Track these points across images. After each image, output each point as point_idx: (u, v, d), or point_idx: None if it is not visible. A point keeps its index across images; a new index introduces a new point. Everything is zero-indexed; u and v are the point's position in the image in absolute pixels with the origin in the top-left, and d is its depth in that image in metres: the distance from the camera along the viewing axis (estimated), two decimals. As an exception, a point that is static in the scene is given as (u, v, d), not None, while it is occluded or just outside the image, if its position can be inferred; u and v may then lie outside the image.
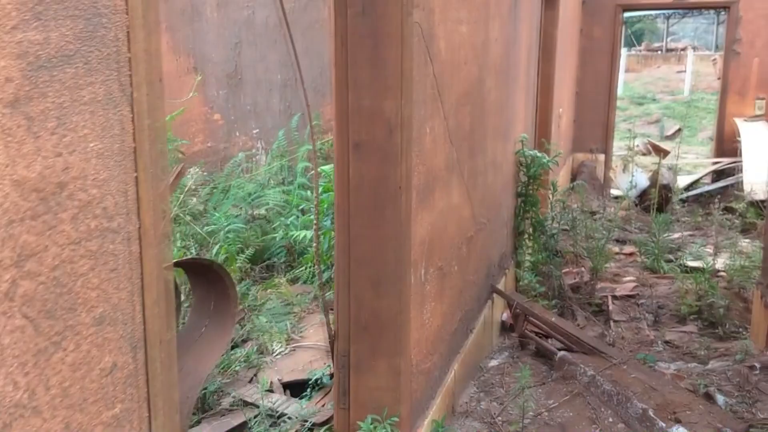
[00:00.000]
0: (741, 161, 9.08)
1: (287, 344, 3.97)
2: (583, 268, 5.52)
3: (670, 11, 34.79)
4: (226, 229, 4.64)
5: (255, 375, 3.74)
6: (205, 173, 5.95)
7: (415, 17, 2.37)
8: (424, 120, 2.61)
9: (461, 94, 3.22)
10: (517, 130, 5.01)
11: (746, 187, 8.42)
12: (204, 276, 2.57)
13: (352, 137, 2.41)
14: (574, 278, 5.36)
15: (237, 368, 3.76)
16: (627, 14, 12.31)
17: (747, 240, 6.99)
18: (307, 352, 3.79)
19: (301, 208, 4.73)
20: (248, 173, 6.14)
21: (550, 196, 5.79)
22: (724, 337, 4.62)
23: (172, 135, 6.08)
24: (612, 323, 4.82)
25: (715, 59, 22.37)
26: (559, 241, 5.62)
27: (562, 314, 4.89)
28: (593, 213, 7.94)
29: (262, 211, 5.24)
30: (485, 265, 4.05)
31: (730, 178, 9.27)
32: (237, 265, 4.55)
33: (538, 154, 4.99)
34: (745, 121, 9.71)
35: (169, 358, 1.11)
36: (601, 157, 10.40)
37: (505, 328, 4.51)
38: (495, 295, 4.25)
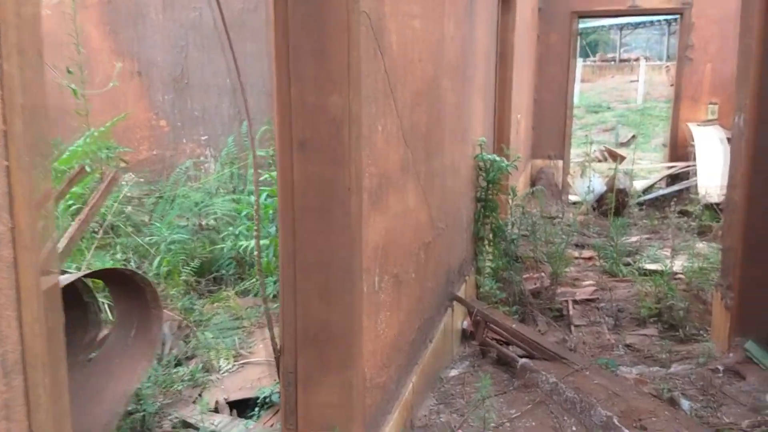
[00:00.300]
0: (695, 165, 9.19)
1: (235, 361, 3.75)
2: (543, 273, 5.43)
3: (623, 23, 35.66)
4: (169, 240, 4.39)
5: (200, 394, 3.51)
6: (142, 181, 5.68)
7: (362, 6, 2.21)
8: (375, 118, 2.45)
9: (416, 92, 3.08)
10: (475, 133, 4.90)
11: (701, 191, 8.52)
12: (126, 287, 2.35)
13: (296, 135, 2.23)
14: (535, 283, 5.27)
15: (180, 387, 3.52)
16: (582, 26, 12.47)
17: (703, 242, 7.03)
18: (256, 369, 3.58)
19: (251, 216, 4.52)
20: (196, 181, 5.89)
21: (510, 201, 5.70)
22: (685, 340, 4.57)
23: (115, 142, 5.80)
24: (573, 328, 4.73)
25: (668, 67, 22.92)
26: (519, 246, 5.53)
27: (523, 320, 4.78)
28: (552, 218, 7.91)
29: (211, 221, 5.00)
30: (444, 272, 3.90)
31: (685, 181, 9.39)
32: (182, 278, 4.31)
33: (497, 158, 4.89)
34: (699, 125, 9.86)
35: (57, 384, 0.92)
36: (559, 163, 10.44)
37: (466, 336, 4.38)
38: (455, 302, 4.11)
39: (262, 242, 4.00)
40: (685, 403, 3.24)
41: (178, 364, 3.79)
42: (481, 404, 3.20)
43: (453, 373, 3.81)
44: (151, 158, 6.60)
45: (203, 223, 5.15)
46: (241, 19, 5.93)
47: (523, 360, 3.49)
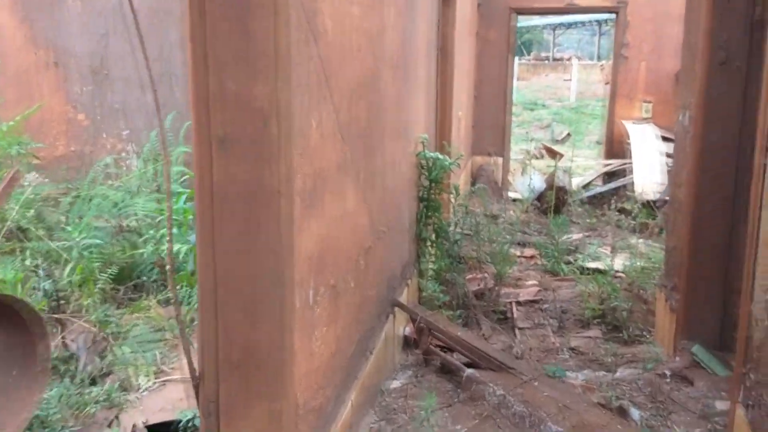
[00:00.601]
0: (631, 163, 9.29)
1: (156, 378, 3.40)
2: (486, 274, 5.28)
3: (556, 23, 36.45)
4: (83, 244, 3.98)
5: (116, 416, 3.16)
6: (47, 181, 5.22)
7: (292, -17, 1.93)
8: (308, 110, 2.18)
9: (355, 84, 2.82)
10: (417, 130, 4.68)
11: (637, 188, 8.60)
12: (8, 316, 2.00)
13: (216, 130, 1.93)
14: (478, 285, 5.10)
15: (94, 410, 3.16)
16: (519, 24, 12.47)
17: (641, 240, 7.06)
18: (178, 387, 3.25)
19: (176, 218, 4.16)
20: (117, 179, 5.45)
21: (453, 201, 5.52)
22: (629, 341, 4.50)
23: (28, 138, 5.30)
24: (517, 331, 4.59)
25: (602, 65, 23.43)
26: (462, 246, 5.36)
27: (467, 324, 4.60)
28: (494, 216, 7.80)
29: (132, 223, 4.61)
30: (386, 278, 3.66)
31: (621, 179, 9.47)
32: (98, 286, 3.92)
33: (440, 157, 4.69)
34: (634, 123, 9.98)
35: None
36: (499, 160, 10.38)
37: (409, 344, 4.15)
38: (397, 308, 3.88)
39: (184, 249, 3.66)
40: (635, 413, 3.12)
41: (93, 382, 3.42)
42: (425, 421, 2.97)
43: (395, 384, 3.58)
44: (69, 155, 6.10)
45: (123, 224, 4.74)
46: (168, 5, 5.52)
47: (469, 371, 3.29)
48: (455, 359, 3.66)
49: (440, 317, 3.85)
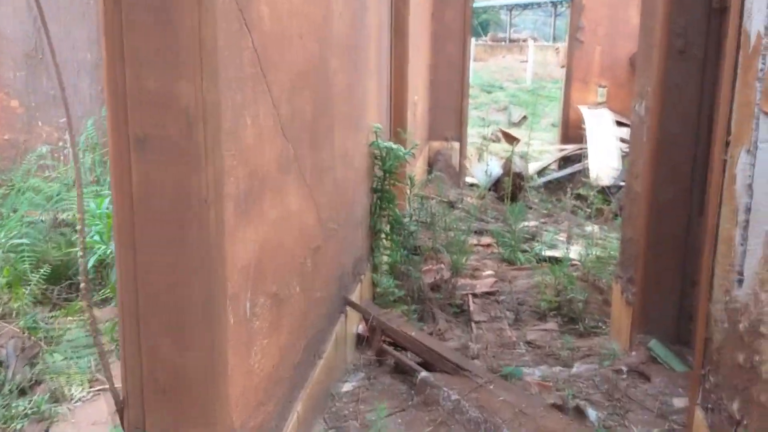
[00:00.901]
0: (586, 148, 9.30)
1: (90, 387, 3.19)
2: (442, 265, 5.16)
3: (512, 4, 36.49)
4: (11, 243, 3.69)
5: (46, 430, 2.95)
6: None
7: (218, -34, 1.73)
8: (241, 108, 1.98)
9: (297, 75, 2.62)
10: (370, 118, 4.50)
11: (592, 174, 8.61)
12: None
13: (134, 130, 1.73)
14: (434, 277, 4.99)
15: (21, 424, 2.94)
16: (476, 4, 12.33)
17: (596, 226, 7.06)
18: (113, 400, 3.03)
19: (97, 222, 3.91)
20: (54, 171, 5.13)
21: (408, 191, 5.37)
22: (585, 334, 4.45)
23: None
24: (473, 325, 4.49)
25: (558, 48, 23.54)
26: (418, 237, 5.22)
27: (423, 318, 4.48)
28: (452, 204, 7.71)
29: (68, 218, 4.32)
30: (337, 277, 3.50)
31: (577, 164, 9.49)
32: (30, 286, 3.66)
33: (394, 146, 4.52)
34: (589, 108, 9.99)
35: None
36: (457, 145, 10.28)
37: (362, 342, 4.01)
38: (349, 307, 3.73)
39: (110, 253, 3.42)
40: (592, 413, 3.04)
41: (22, 392, 3.18)
42: (377, 430, 2.84)
43: (346, 387, 3.43)
44: (2, 144, 5.73)
45: (59, 219, 4.45)
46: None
47: (423, 374, 3.16)
48: (409, 359, 3.53)
49: (393, 316, 3.71)
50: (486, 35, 37.39)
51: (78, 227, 1.90)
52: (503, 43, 35.28)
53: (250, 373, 2.15)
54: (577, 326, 4.49)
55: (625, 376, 3.47)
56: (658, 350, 3.51)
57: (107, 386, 3.23)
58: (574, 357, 3.98)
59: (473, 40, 26.30)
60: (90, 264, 3.52)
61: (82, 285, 1.99)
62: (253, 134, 2.10)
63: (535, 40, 32.91)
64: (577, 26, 10.15)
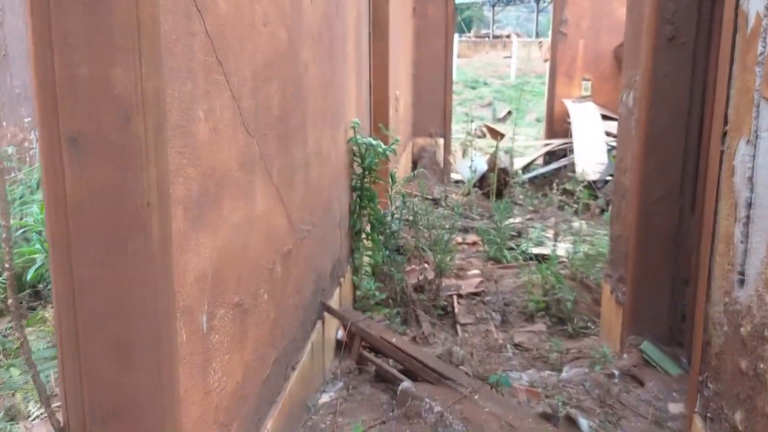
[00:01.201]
0: (572, 142, 9.15)
1: (51, 403, 2.96)
2: (426, 265, 4.98)
3: (495, 0, 36.39)
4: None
5: (0, 452, 2.74)
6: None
7: (157, -63, 1.52)
8: (192, 100, 1.78)
9: (262, 65, 2.42)
10: (348, 114, 4.30)
11: (578, 168, 8.46)
12: None
13: (66, 126, 1.52)
14: (418, 277, 4.80)
15: (-28, 447, 2.72)
16: (457, 1, 12.13)
17: (583, 221, 6.91)
18: (70, 420, 2.82)
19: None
20: (19, 172, 4.89)
21: (390, 189, 5.18)
22: (574, 335, 4.29)
23: None
24: (459, 328, 4.31)
25: (540, 42, 23.44)
26: (401, 237, 5.04)
27: (406, 321, 4.30)
28: (436, 201, 7.53)
29: (30, 222, 4.09)
30: (312, 281, 3.30)
31: (563, 159, 9.34)
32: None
33: (373, 142, 4.33)
34: (574, 102, 9.84)
35: None
36: (441, 141, 10.10)
37: (342, 348, 3.81)
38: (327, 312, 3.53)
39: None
40: (584, 423, 2.87)
41: (-24, 411, 2.97)
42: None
43: (324, 398, 3.24)
44: (-36, 144, 5.46)
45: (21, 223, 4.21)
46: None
47: (404, 384, 2.97)
48: (391, 366, 3.34)
49: (373, 323, 3.51)
50: (469, 32, 37.31)
51: (3, 236, 1.69)
52: (487, 39, 35.22)
53: (209, 393, 1.95)
54: (566, 327, 4.33)
55: (617, 380, 3.30)
56: (651, 352, 3.35)
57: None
58: (564, 360, 3.82)
59: (457, 36, 26.21)
60: (30, 275, 3.30)
61: (10, 302, 1.78)
62: (207, 129, 1.90)
63: (518, 35, 32.86)
64: (561, 19, 10.00)
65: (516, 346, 4.06)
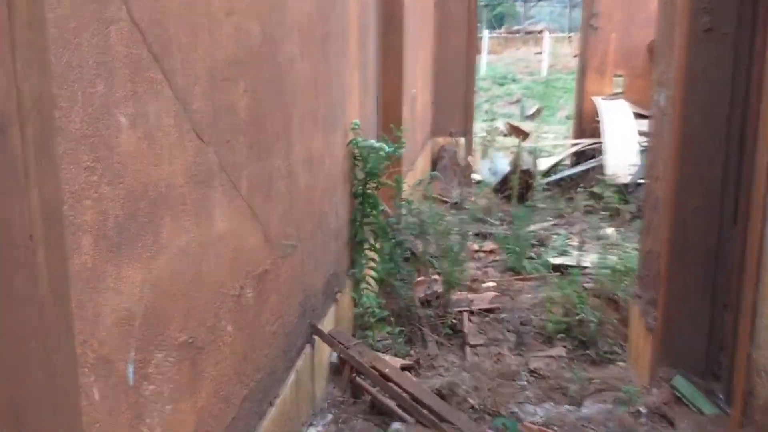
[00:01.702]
0: (602, 142, 8.67)
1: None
2: (435, 277, 4.61)
3: (528, -5, 35.72)
4: None
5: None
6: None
7: None
8: (107, 103, 1.44)
9: (224, 62, 2.08)
10: (349, 115, 3.95)
11: (608, 170, 7.99)
12: None
13: (-72, 139, 1.19)
14: (426, 290, 4.43)
15: None
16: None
17: (612, 228, 6.45)
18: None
19: None
20: None
21: (398, 193, 4.81)
22: (598, 361, 3.87)
23: None
24: (468, 349, 3.93)
25: (570, 37, 22.82)
26: (410, 246, 4.67)
27: (411, 341, 3.94)
28: (454, 204, 7.14)
29: None
30: (298, 302, 2.96)
31: (592, 160, 8.85)
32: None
33: (376, 145, 3.97)
34: (604, 99, 9.34)
35: None
36: (462, 140, 9.69)
37: (336, 371, 3.46)
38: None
39: None
40: (604, 474, 2.48)
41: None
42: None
43: (311, 433, 2.90)
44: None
45: None
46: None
47: (395, 427, 2.61)
48: (387, 399, 2.99)
49: (366, 349, 3.15)
50: (501, 28, 36.73)
51: None
52: (518, 35, 34.59)
53: (139, 457, 1.62)
54: (588, 352, 3.91)
55: (644, 419, 2.90)
56: (684, 388, 2.93)
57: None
58: (585, 392, 3.41)
59: (487, 32, 25.65)
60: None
61: None
62: (134, 138, 1.56)
63: (550, 31, 32.18)
64: (592, 12, 9.50)
65: (532, 372, 3.66)
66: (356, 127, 3.92)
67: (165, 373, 1.73)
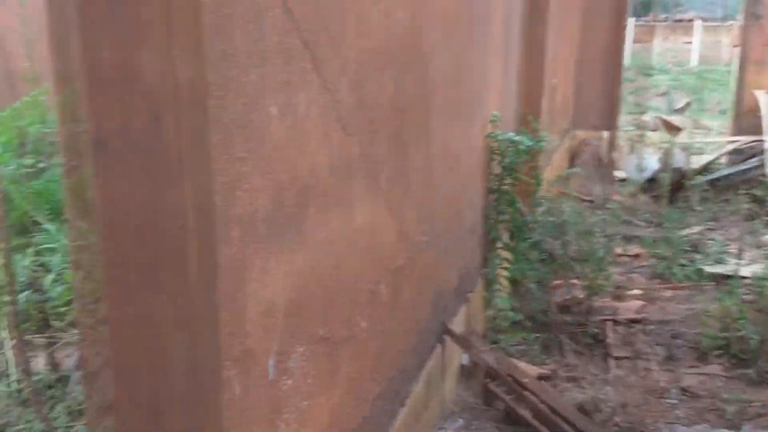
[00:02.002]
0: (764, 140, 7.84)
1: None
2: (575, 281, 4.34)
3: (679, -19, 33.31)
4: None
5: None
6: None
7: None
8: (260, 93, 1.41)
9: (372, 51, 2.02)
10: (488, 106, 3.79)
11: (772, 171, 7.20)
12: None
13: (93, 124, 1.22)
14: (564, 295, 4.18)
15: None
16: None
17: (776, 235, 5.79)
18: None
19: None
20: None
21: (537, 190, 4.58)
22: (759, 382, 3.46)
23: None
24: (612, 362, 3.65)
25: (731, 25, 20.97)
26: (547, 247, 4.42)
27: (547, 349, 3.72)
28: (596, 203, 6.74)
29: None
30: (430, 300, 2.87)
31: (752, 159, 8.01)
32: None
33: (516, 138, 3.79)
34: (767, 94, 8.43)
35: None
36: (606, 134, 9.12)
37: (468, 374, 3.34)
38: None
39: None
40: None
41: (80, 413, 2.88)
42: None
43: (441, 437, 2.80)
44: None
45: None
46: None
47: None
48: (523, 409, 2.82)
49: (500, 354, 3.00)
50: (648, 15, 34.58)
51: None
52: (666, 23, 32.39)
53: (277, 452, 1.60)
54: (748, 371, 3.51)
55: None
56: None
57: None
58: (744, 415, 3.06)
59: (633, 20, 24.22)
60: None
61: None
62: (284, 128, 1.53)
63: (703, 19, 29.83)
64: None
65: (683, 391, 3.33)
66: (495, 119, 3.76)
67: (303, 367, 1.70)
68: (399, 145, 2.33)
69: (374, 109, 2.07)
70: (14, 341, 2.30)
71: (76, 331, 3.21)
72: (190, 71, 1.17)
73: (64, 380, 2.99)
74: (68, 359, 3.12)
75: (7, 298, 2.23)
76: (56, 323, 3.18)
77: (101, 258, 1.27)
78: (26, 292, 3.06)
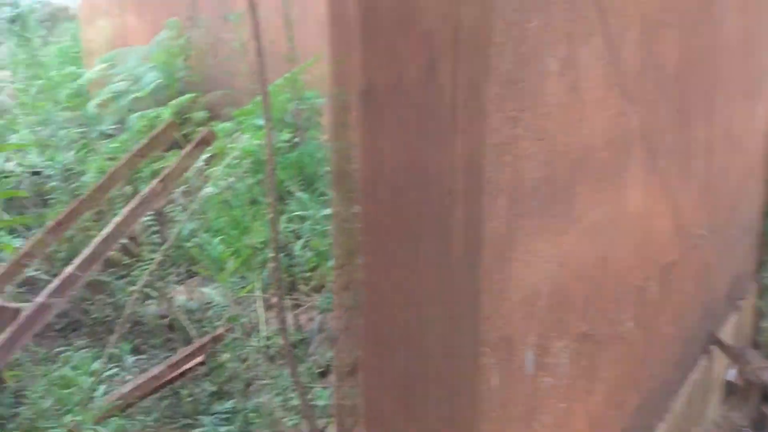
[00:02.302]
0: None
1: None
2: None
3: None
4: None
5: None
6: None
7: None
8: (540, 43, 1.22)
9: (658, 5, 1.72)
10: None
11: None
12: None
13: (364, 76, 1.13)
14: None
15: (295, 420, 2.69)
16: None
17: None
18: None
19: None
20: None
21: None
22: None
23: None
24: None
25: None
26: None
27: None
28: None
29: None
30: (700, 304, 2.46)
31: None
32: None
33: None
34: None
35: None
36: None
37: (733, 392, 2.85)
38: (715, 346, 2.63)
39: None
40: None
41: (322, 375, 2.99)
42: None
43: (701, 464, 2.40)
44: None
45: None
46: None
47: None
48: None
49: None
50: None
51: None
52: None
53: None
54: None
55: None
56: None
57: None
58: None
59: None
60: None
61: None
62: (562, 88, 1.32)
63: None
64: None
65: None
66: (789, 97, 3.13)
67: (563, 365, 1.49)
68: (680, 121, 1.99)
69: (658, 76, 1.76)
70: (275, 299, 2.40)
71: (319, 296, 3.37)
72: (476, 11, 1.02)
73: (305, 342, 3.13)
74: (311, 322, 3.26)
75: (270, 255, 2.32)
76: (302, 287, 3.34)
77: (359, 222, 1.18)
78: (280, 255, 3.24)
